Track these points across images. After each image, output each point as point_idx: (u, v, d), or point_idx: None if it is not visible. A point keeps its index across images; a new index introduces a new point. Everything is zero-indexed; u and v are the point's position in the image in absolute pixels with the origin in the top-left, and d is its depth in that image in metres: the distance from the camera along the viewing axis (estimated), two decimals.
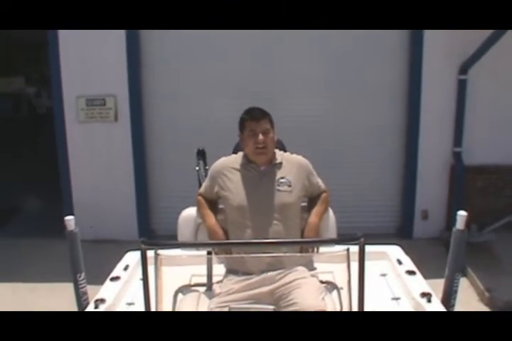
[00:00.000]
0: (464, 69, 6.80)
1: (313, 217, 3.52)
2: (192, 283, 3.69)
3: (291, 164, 3.56)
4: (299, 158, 3.65)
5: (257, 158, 3.49)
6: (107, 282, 3.89)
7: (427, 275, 3.94)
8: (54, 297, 5.58)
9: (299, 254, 3.37)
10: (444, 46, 6.71)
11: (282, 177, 3.48)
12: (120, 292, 3.76)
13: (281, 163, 3.54)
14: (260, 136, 3.42)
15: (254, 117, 3.47)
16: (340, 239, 2.84)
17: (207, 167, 3.83)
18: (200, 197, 3.66)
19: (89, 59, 6.89)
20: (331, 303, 3.24)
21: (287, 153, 3.68)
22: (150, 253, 2.63)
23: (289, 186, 3.47)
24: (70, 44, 6.83)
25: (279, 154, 3.59)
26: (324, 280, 3.51)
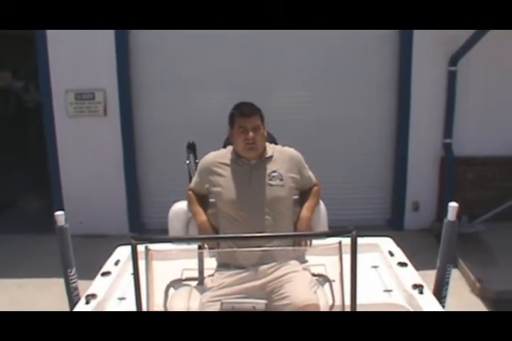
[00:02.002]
0: (453, 60, 6.79)
1: (304, 211, 3.51)
2: (183, 277, 3.68)
3: (282, 157, 3.55)
4: (291, 150, 3.63)
5: (246, 153, 3.47)
6: (98, 277, 3.88)
7: (418, 267, 3.94)
8: (45, 293, 5.56)
9: (291, 248, 3.37)
10: (433, 37, 6.70)
11: (274, 171, 3.46)
12: (111, 287, 3.75)
13: (272, 157, 3.52)
14: (250, 133, 3.40)
15: (244, 113, 3.44)
16: (333, 232, 2.84)
17: (197, 160, 3.82)
18: (190, 193, 3.65)
19: (77, 52, 6.83)
20: (323, 296, 3.24)
21: (278, 146, 3.66)
22: (140, 248, 2.61)
23: (281, 180, 3.45)
24: (58, 37, 6.77)
25: (270, 147, 3.57)
26: (316, 273, 3.51)
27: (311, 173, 3.65)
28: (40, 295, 5.60)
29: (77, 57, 6.89)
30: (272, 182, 3.43)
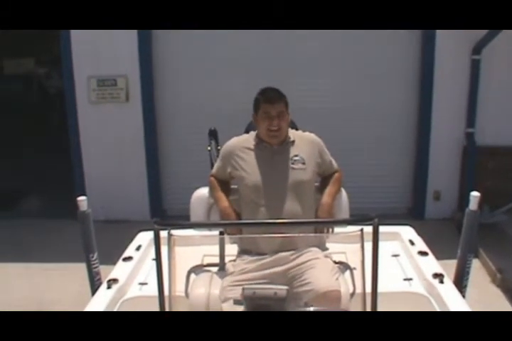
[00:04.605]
0: (477, 49, 6.72)
1: (326, 198, 3.50)
2: (204, 263, 3.70)
3: (303, 142, 3.55)
4: (312, 135, 3.63)
5: (269, 139, 3.47)
6: (120, 262, 3.92)
7: (439, 256, 3.94)
8: (67, 277, 5.62)
9: (312, 234, 3.38)
10: None
11: (296, 155, 3.46)
12: (132, 272, 3.79)
13: (293, 141, 3.52)
14: (275, 120, 3.39)
15: (269, 99, 3.43)
16: (354, 220, 2.83)
17: (219, 147, 3.82)
18: (212, 179, 3.65)
19: (100, 39, 6.84)
20: (344, 284, 3.25)
21: (299, 131, 3.65)
22: (162, 234, 2.63)
23: (303, 164, 3.45)
24: None
25: (291, 132, 3.57)
26: (337, 260, 3.51)
27: (332, 159, 3.64)
28: (62, 279, 5.65)
29: (100, 44, 6.91)
30: (294, 166, 3.44)
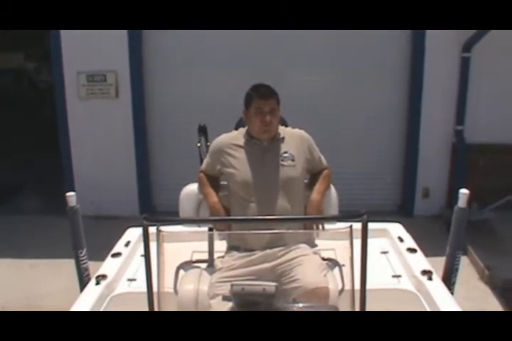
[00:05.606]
0: (467, 46, 6.74)
1: (315, 194, 3.50)
2: (193, 259, 3.69)
3: (293, 138, 3.55)
4: (301, 132, 3.63)
5: (261, 135, 3.47)
6: (109, 258, 3.91)
7: (427, 253, 3.96)
8: (56, 273, 5.61)
9: (301, 231, 3.38)
10: None
11: (285, 152, 3.46)
12: (121, 268, 3.79)
13: (283, 138, 3.52)
14: (267, 116, 3.39)
15: (262, 95, 3.42)
16: (344, 216, 2.83)
17: (208, 143, 3.81)
18: (201, 175, 3.64)
19: (89, 34, 6.78)
20: (332, 280, 3.24)
21: (288, 128, 3.65)
22: (151, 230, 2.62)
23: (293, 160, 3.45)
24: None
25: (281, 129, 3.57)
26: (326, 257, 3.51)
27: (321, 155, 3.64)
28: (51, 275, 5.64)
29: (89, 39, 6.86)
30: (284, 163, 3.44)
